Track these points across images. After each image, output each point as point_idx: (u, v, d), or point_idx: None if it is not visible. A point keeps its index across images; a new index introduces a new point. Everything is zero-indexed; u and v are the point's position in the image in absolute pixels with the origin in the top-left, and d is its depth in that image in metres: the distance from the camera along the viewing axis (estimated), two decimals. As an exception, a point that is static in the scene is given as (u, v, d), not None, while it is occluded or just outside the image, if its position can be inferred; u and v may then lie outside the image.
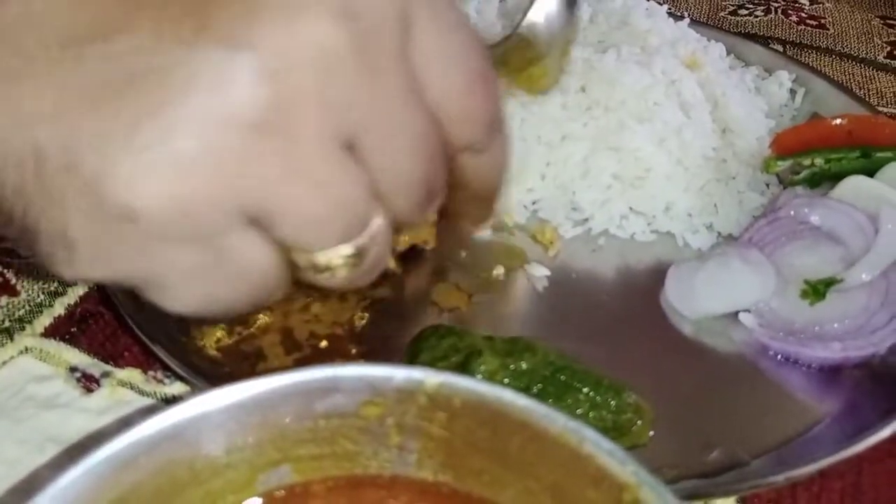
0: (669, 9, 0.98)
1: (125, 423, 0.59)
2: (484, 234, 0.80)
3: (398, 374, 0.44)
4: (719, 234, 0.81)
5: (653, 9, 0.95)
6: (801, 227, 0.73)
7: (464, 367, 0.60)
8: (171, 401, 0.63)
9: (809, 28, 1.23)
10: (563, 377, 0.60)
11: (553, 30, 0.68)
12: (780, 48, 1.14)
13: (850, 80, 1.12)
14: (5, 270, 0.74)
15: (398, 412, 0.43)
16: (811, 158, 0.81)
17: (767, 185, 0.85)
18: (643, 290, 0.76)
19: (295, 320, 0.69)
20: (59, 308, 0.71)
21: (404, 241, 0.75)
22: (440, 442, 0.43)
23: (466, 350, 0.61)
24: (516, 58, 0.68)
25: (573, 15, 0.69)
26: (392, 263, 0.75)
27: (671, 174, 0.81)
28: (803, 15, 1.27)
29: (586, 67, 0.83)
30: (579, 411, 0.58)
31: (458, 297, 0.73)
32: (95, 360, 0.66)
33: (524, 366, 0.60)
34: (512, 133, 0.83)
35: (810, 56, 1.16)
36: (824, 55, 1.18)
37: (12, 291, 0.72)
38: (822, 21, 1.25)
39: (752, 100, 0.92)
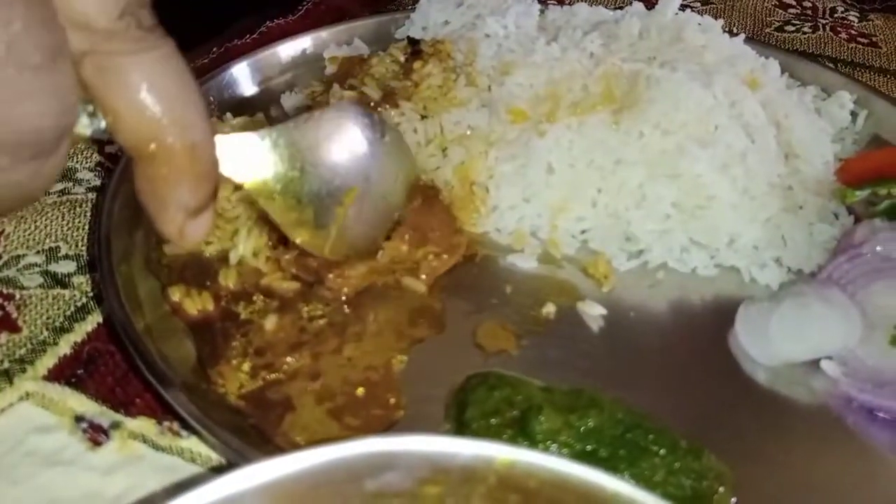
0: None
1: (146, 503, 0.53)
2: (530, 266, 0.73)
3: (464, 449, 0.37)
4: (789, 269, 0.74)
5: (707, 24, 0.88)
6: (887, 264, 0.66)
7: (521, 425, 0.53)
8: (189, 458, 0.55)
9: (861, 46, 1.17)
10: (634, 437, 0.53)
11: None
12: (832, 67, 1.07)
13: (907, 101, 1.05)
14: (6, 303, 0.67)
15: (462, 493, 0.37)
16: (888, 188, 0.74)
17: (836, 216, 0.78)
18: (708, 331, 0.69)
19: (326, 364, 0.62)
20: (65, 346, 0.64)
21: (437, 264, 0.69)
22: (512, 528, 0.37)
23: (523, 404, 0.54)
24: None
25: None
26: (422, 287, 0.68)
27: (736, 203, 0.74)
28: (853, 32, 1.20)
29: (642, 86, 0.77)
30: (656, 478, 0.51)
31: (505, 339, 0.65)
32: (104, 407, 0.60)
33: (590, 424, 0.53)
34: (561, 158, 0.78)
35: (863, 75, 1.09)
36: (878, 74, 1.11)
37: (13, 327, 0.65)
38: (874, 39, 1.19)
39: (816, 122, 0.85)
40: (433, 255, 0.69)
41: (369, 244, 0.63)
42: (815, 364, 0.65)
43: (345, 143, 0.53)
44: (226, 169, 0.46)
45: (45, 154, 0.38)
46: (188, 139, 0.41)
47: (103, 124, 0.40)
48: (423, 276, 0.69)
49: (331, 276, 0.66)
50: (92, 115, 0.41)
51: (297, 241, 0.55)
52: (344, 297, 0.66)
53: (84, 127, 0.41)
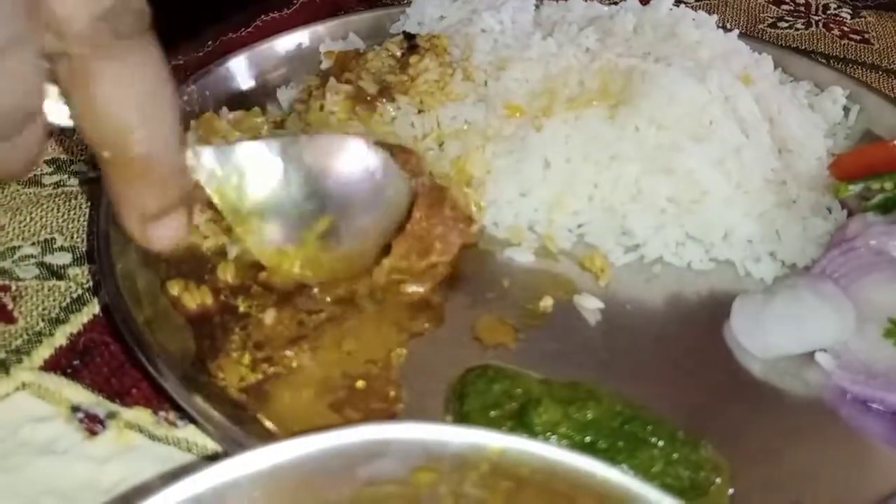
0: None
1: (141, 491, 0.53)
2: (527, 260, 0.73)
3: (457, 437, 0.37)
4: (783, 263, 0.74)
5: (701, 19, 0.89)
6: (880, 258, 0.66)
7: (520, 417, 0.53)
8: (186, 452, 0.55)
9: (853, 43, 1.17)
10: (632, 429, 0.53)
11: None
12: (824, 63, 1.08)
13: (899, 97, 1.06)
14: (2, 294, 0.67)
15: (454, 480, 0.37)
16: (881, 183, 0.74)
17: (829, 210, 0.78)
18: (704, 324, 0.69)
19: (325, 357, 0.62)
20: (61, 337, 0.64)
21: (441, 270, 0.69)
22: (503, 514, 0.37)
23: (522, 397, 0.55)
24: None
25: None
26: (421, 289, 0.68)
27: (730, 198, 0.74)
28: (845, 29, 1.21)
29: (637, 81, 0.77)
30: (655, 469, 0.51)
31: (503, 332, 0.66)
32: (100, 397, 0.59)
33: (589, 416, 0.53)
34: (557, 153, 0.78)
35: (856, 72, 1.10)
36: (870, 71, 1.12)
37: (9, 318, 0.65)
38: (866, 36, 1.19)
39: (809, 117, 0.86)
40: (436, 264, 0.69)
41: (356, 269, 0.65)
42: (809, 356, 0.65)
43: (329, 171, 0.56)
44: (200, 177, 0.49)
45: (10, 135, 0.40)
46: (143, 148, 0.42)
47: None
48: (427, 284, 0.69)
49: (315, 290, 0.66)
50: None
51: (263, 261, 0.58)
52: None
53: (67, 119, 0.43)
